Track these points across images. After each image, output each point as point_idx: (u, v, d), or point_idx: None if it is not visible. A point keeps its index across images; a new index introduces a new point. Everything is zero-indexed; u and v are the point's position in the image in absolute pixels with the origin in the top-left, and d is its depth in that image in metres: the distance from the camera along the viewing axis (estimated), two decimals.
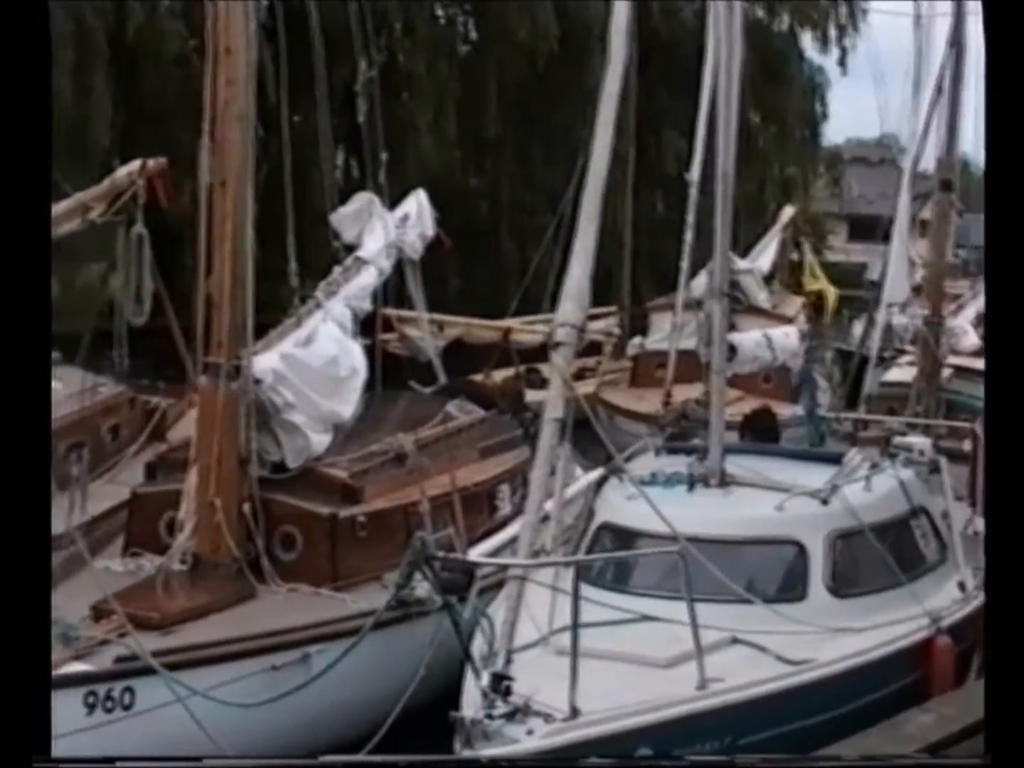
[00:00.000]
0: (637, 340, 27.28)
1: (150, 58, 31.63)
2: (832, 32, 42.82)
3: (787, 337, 19.05)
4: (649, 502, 11.23)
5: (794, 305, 31.49)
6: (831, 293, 36.53)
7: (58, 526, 13.28)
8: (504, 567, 10.85)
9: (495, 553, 12.65)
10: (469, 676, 9.52)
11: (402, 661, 10.99)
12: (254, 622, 11.97)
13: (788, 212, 35.67)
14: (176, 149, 21.43)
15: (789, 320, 26.16)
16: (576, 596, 9.21)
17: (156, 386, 18.69)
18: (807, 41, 43.44)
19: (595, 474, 14.10)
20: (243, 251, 12.76)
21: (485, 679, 9.16)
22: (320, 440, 13.39)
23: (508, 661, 9.43)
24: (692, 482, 12.93)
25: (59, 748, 10.41)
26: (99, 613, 11.52)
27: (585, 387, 20.78)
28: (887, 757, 9.43)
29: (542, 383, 22.57)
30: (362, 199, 16.34)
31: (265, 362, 12.97)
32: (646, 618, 10.78)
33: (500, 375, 23.84)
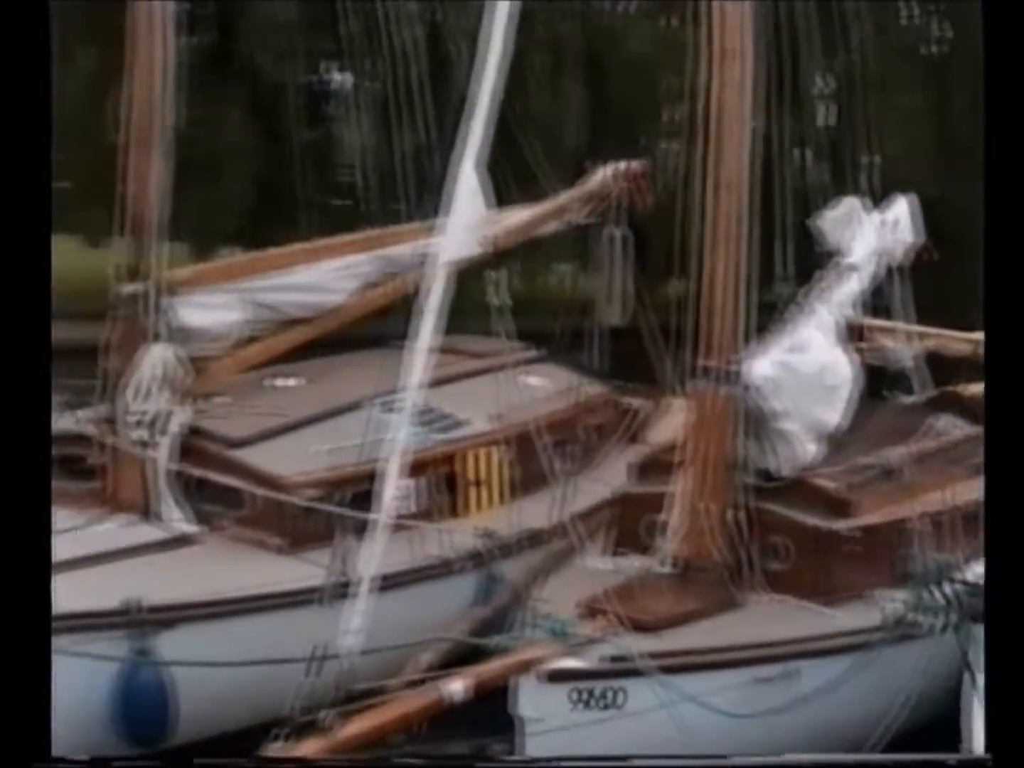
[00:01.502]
0: None
1: (615, 59, 31.96)
2: None
3: None
4: None
5: None
6: None
7: (543, 521, 13.70)
8: None
9: None
10: (975, 708, 9.14)
11: (886, 683, 10.70)
12: (739, 631, 11.86)
13: None
14: (636, 150, 21.53)
15: None
16: None
17: (630, 387, 18.77)
18: None
19: None
20: (744, 255, 12.68)
21: None
22: (811, 450, 13.13)
23: None
24: None
25: (542, 742, 10.69)
26: (590, 610, 11.64)
27: None
28: (887, 757, 9.19)
29: None
30: (848, 204, 15.93)
31: (761, 368, 12.81)
32: None
33: (971, 389, 22.96)
